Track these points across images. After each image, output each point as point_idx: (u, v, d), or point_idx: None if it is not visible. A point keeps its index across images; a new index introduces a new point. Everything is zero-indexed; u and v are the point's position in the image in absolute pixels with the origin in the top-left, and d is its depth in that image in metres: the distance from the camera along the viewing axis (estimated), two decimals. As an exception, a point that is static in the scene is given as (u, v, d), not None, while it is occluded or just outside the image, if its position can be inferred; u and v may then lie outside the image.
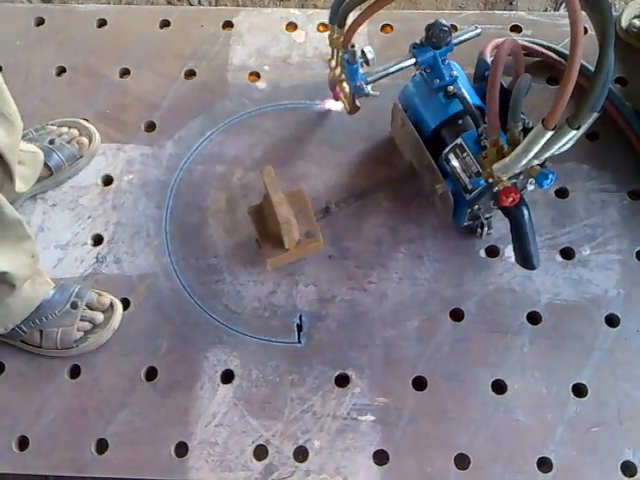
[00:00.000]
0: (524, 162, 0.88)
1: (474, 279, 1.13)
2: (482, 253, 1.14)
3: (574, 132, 0.81)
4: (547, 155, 0.87)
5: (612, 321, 1.09)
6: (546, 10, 1.63)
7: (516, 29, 1.34)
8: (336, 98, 1.21)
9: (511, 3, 1.64)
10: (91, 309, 1.09)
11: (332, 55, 1.11)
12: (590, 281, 1.12)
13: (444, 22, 1.00)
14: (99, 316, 1.09)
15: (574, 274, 1.12)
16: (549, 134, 0.81)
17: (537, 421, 1.03)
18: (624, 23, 1.29)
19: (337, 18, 1.02)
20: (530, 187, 1.03)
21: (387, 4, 0.95)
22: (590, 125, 0.82)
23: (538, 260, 1.02)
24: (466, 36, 1.05)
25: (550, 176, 0.91)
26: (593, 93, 0.78)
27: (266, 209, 1.06)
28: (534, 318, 1.10)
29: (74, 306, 1.08)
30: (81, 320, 1.08)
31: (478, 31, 1.05)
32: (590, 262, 1.13)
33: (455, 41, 1.03)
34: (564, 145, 0.85)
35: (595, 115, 0.80)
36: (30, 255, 1.02)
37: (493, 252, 1.15)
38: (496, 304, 1.11)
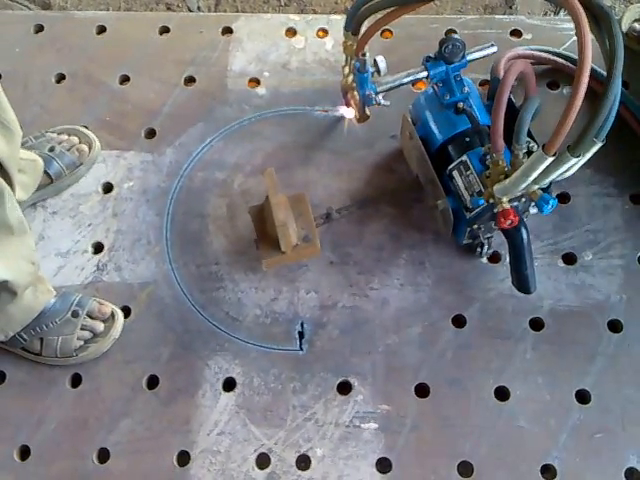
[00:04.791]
0: (523, 186, 0.87)
1: (476, 285, 1.12)
2: (483, 259, 1.14)
3: (575, 160, 0.80)
4: (547, 181, 0.86)
5: (615, 326, 1.08)
6: (546, 14, 1.63)
7: (516, 33, 1.34)
8: (348, 105, 1.21)
9: (511, 7, 1.64)
10: (92, 318, 1.09)
11: (345, 62, 1.10)
12: (592, 286, 1.11)
13: (458, 37, 0.99)
14: (99, 325, 1.08)
15: (576, 279, 1.12)
16: (549, 160, 0.80)
17: (540, 428, 1.02)
18: (624, 27, 1.29)
19: (352, 25, 1.01)
20: (532, 210, 1.02)
21: (401, 15, 0.95)
22: (594, 154, 0.80)
23: (535, 285, 1.02)
24: (481, 53, 1.04)
25: (551, 201, 0.90)
26: (597, 121, 0.75)
27: (266, 210, 1.06)
28: (537, 324, 1.09)
29: (75, 315, 1.08)
30: (81, 329, 1.08)
31: (494, 49, 1.04)
32: (592, 267, 1.13)
33: (469, 58, 1.02)
34: (565, 172, 0.84)
35: (599, 145, 0.79)
36: (30, 262, 1.01)
37: (494, 258, 1.14)
38: (498, 310, 1.10)
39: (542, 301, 1.10)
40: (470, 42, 1.02)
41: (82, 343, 1.08)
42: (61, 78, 1.34)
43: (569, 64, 1.26)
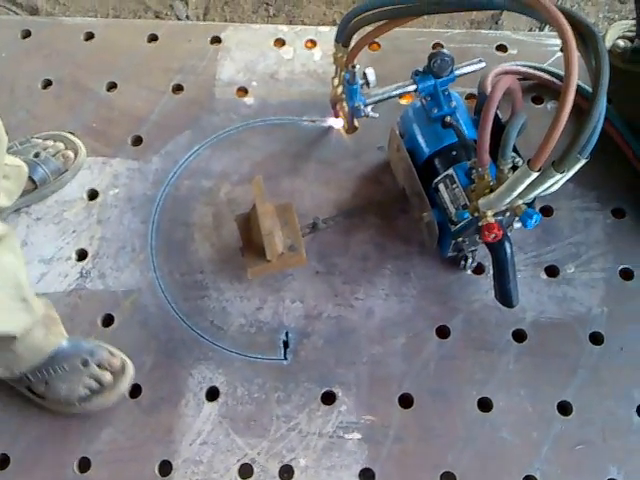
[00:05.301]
0: (508, 200, 0.88)
1: (460, 296, 1.13)
2: (468, 271, 1.15)
3: (559, 176, 0.81)
4: (532, 196, 0.87)
5: (596, 339, 1.09)
6: (531, 30, 1.65)
7: (502, 48, 1.36)
8: (337, 116, 1.21)
9: (497, 22, 1.66)
10: (100, 367, 1.04)
11: (335, 73, 1.11)
12: (574, 299, 1.12)
13: (447, 52, 1.01)
14: (107, 376, 1.04)
15: (559, 292, 1.13)
16: (534, 175, 0.81)
17: (522, 439, 1.03)
18: (608, 44, 1.31)
19: (343, 37, 1.02)
20: (516, 225, 1.03)
21: (392, 28, 0.96)
22: (578, 170, 0.81)
23: (517, 298, 1.03)
24: (469, 69, 1.05)
25: (535, 216, 0.91)
26: (581, 138, 0.76)
27: (252, 219, 1.06)
28: (519, 335, 1.10)
29: (85, 364, 1.03)
30: (90, 378, 1.03)
31: (482, 64, 1.06)
32: (574, 280, 1.14)
33: (457, 73, 1.04)
34: (550, 187, 0.85)
35: (583, 161, 0.80)
36: (20, 299, 0.94)
37: (479, 269, 1.15)
38: (482, 321, 1.11)
39: (525, 313, 1.11)
40: (456, 56, 1.03)
41: (87, 392, 1.03)
42: (48, 84, 1.33)
43: (555, 80, 1.28)
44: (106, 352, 1.06)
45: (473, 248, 1.09)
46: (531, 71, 1.29)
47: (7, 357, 0.98)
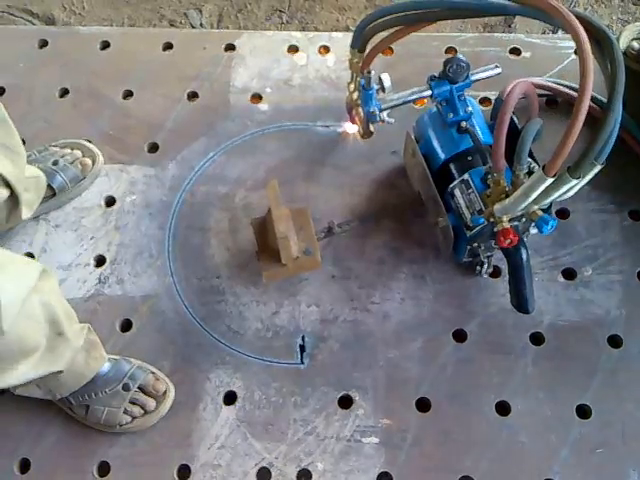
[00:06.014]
0: (523, 206, 0.88)
1: (476, 300, 1.13)
2: (484, 275, 1.14)
3: (575, 181, 0.81)
4: (548, 201, 0.87)
5: (615, 342, 1.09)
6: (544, 33, 1.65)
7: (515, 52, 1.35)
8: (352, 121, 1.22)
9: (510, 26, 1.66)
10: (145, 393, 1.04)
11: (351, 79, 1.11)
12: (592, 301, 1.12)
13: (462, 58, 1.01)
14: (152, 403, 1.04)
15: (576, 294, 1.12)
16: (549, 181, 0.81)
17: (541, 443, 1.02)
18: (622, 45, 1.30)
19: (358, 43, 1.03)
20: (532, 230, 1.03)
21: (408, 34, 0.96)
22: (594, 175, 0.81)
23: (533, 305, 1.02)
24: (485, 74, 1.06)
25: (551, 222, 0.91)
26: (597, 144, 0.76)
27: (268, 223, 1.06)
28: (537, 339, 1.10)
29: (126, 388, 1.03)
30: (132, 403, 1.03)
31: (498, 70, 1.06)
32: (592, 282, 1.13)
33: (473, 78, 1.04)
34: (566, 193, 0.84)
35: (598, 167, 0.80)
36: (56, 335, 0.91)
37: (495, 272, 1.15)
38: (499, 325, 1.11)
39: (542, 316, 1.11)
40: (470, 60, 1.03)
41: (129, 419, 1.03)
42: (65, 93, 1.35)
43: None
44: (150, 376, 1.05)
45: (489, 253, 1.09)
46: (560, 88, 1.27)
47: (51, 384, 0.98)
